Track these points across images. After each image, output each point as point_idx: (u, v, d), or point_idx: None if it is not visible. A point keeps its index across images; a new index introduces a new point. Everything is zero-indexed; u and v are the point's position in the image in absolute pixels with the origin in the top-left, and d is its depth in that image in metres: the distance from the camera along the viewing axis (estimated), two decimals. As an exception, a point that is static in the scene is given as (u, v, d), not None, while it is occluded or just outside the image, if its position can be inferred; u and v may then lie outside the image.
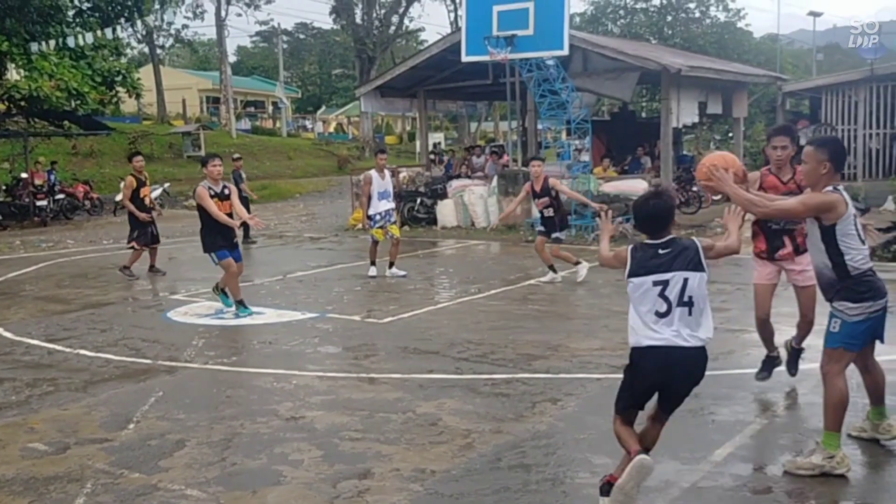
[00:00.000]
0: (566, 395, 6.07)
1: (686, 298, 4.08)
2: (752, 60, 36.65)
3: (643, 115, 32.38)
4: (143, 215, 12.32)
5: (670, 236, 4.19)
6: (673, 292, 4.08)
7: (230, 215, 9.29)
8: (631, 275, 4.17)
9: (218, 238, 9.21)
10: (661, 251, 4.16)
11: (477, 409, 5.84)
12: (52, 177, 23.25)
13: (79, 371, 7.16)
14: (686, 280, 4.08)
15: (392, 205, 11.69)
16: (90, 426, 5.69)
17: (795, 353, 6.20)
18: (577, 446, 5.13)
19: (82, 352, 7.80)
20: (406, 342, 7.88)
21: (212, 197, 9.14)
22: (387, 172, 11.84)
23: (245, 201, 16.58)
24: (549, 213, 10.88)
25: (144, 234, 12.42)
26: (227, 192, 9.35)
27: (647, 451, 4.17)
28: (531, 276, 11.53)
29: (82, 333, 8.64)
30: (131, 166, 12.80)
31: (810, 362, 6.67)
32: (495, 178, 17.77)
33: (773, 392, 6.00)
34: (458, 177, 19.91)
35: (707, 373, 6.38)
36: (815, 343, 5.63)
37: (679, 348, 4.06)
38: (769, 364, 6.27)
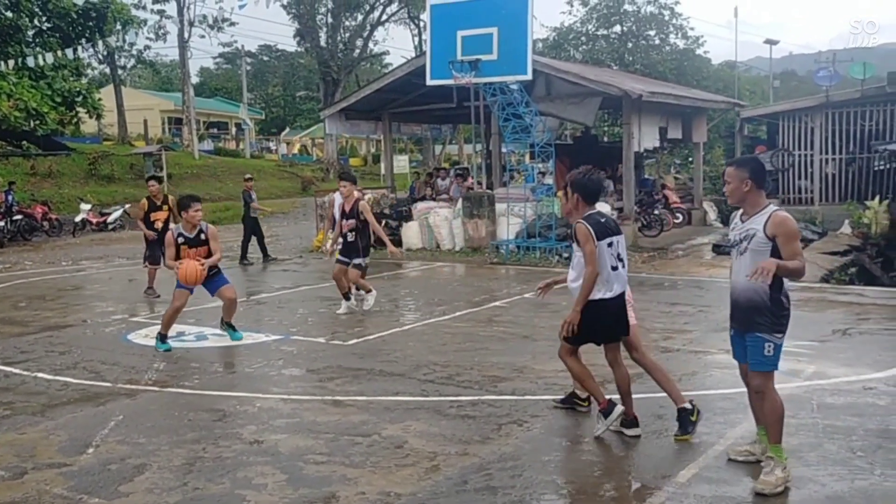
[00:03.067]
0: (532, 416, 6.08)
1: (622, 257, 5.47)
2: (711, 87, 37.33)
3: (605, 139, 32.74)
4: (149, 233, 12.38)
5: (599, 208, 5.50)
6: (619, 250, 5.43)
7: (207, 256, 8.71)
8: (598, 238, 5.31)
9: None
10: (601, 219, 5.42)
11: (443, 431, 5.82)
12: (10, 197, 22.87)
13: (36, 394, 7.01)
14: (620, 242, 5.47)
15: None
16: (48, 450, 5.57)
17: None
18: (544, 468, 5.13)
19: (40, 375, 7.65)
20: (371, 364, 7.84)
21: (181, 244, 8.62)
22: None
23: (255, 221, 16.60)
24: (352, 237, 10.26)
25: (153, 255, 12.38)
26: (202, 237, 8.71)
27: (627, 390, 5.59)
28: (496, 297, 11.57)
29: (40, 356, 8.47)
30: (147, 189, 12.67)
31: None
32: (460, 201, 17.83)
33: (735, 413, 6.06)
34: (423, 199, 19.96)
35: (671, 394, 6.46)
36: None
37: (622, 294, 5.44)
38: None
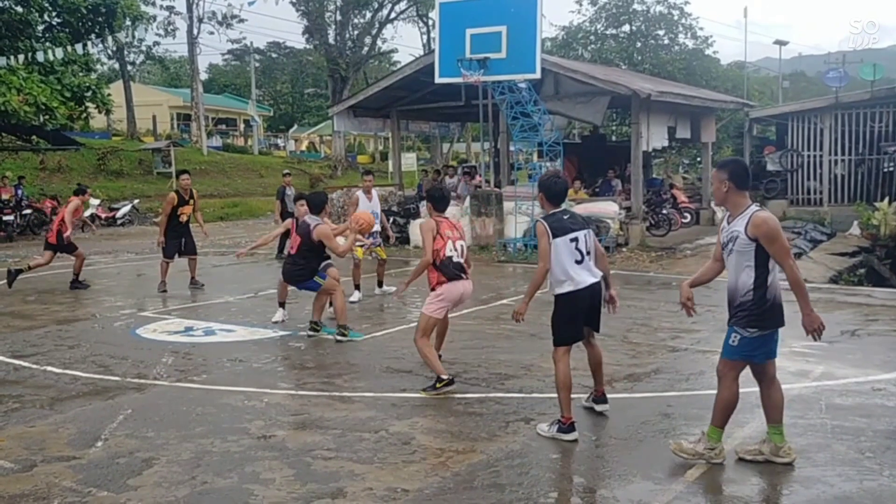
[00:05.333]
0: (539, 414, 6.08)
1: (588, 250, 5.68)
2: (720, 87, 37.16)
3: (614, 138, 32.71)
4: (160, 239, 12.47)
5: (565, 206, 5.86)
6: (583, 245, 5.64)
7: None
8: (554, 237, 5.58)
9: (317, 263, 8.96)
10: (564, 217, 5.73)
11: (450, 428, 5.83)
12: (20, 191, 22.96)
13: (46, 388, 7.04)
14: (586, 236, 5.70)
15: (378, 227, 11.61)
16: (57, 444, 5.59)
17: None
18: (551, 466, 5.14)
19: (49, 368, 7.68)
20: (379, 361, 7.85)
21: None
22: (374, 193, 11.82)
23: (290, 214, 16.59)
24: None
25: (168, 248, 12.48)
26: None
27: (597, 367, 6.04)
28: (504, 296, 11.57)
29: (49, 350, 8.50)
30: (177, 183, 12.71)
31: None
32: (468, 199, 17.83)
33: (743, 412, 6.03)
34: (430, 197, 19.92)
35: (678, 393, 6.58)
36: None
37: (595, 283, 5.68)
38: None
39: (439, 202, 7.16)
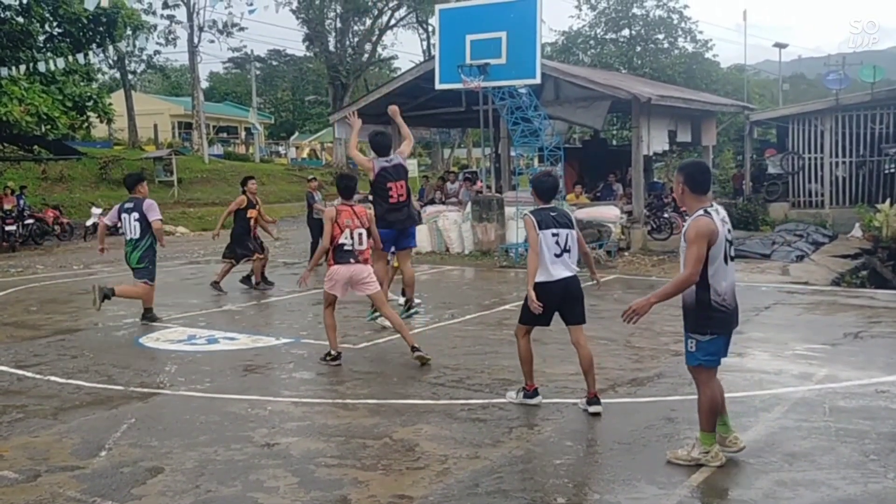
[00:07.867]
0: (542, 420, 6.08)
1: (568, 247, 6.10)
2: (720, 90, 37.22)
3: (614, 142, 32.73)
4: (216, 231, 13.33)
5: (554, 203, 6.32)
6: (562, 242, 6.06)
7: None
8: (541, 229, 6.03)
9: None
10: (552, 213, 6.17)
11: (454, 434, 5.82)
12: (22, 201, 22.99)
13: (49, 398, 7.04)
14: (568, 235, 6.10)
15: None
16: (61, 453, 5.59)
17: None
18: (555, 471, 5.13)
19: (53, 378, 7.68)
20: (382, 367, 7.85)
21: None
22: None
23: (318, 222, 16.64)
24: None
25: (241, 252, 12.97)
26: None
27: (588, 369, 6.15)
28: (506, 301, 11.56)
29: (52, 360, 8.50)
30: (246, 189, 13.23)
31: (782, 387, 6.77)
32: (469, 204, 17.85)
33: (746, 416, 6.04)
34: (432, 202, 19.98)
35: (681, 398, 6.58)
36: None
37: (569, 277, 6.09)
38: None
39: (345, 191, 7.99)
